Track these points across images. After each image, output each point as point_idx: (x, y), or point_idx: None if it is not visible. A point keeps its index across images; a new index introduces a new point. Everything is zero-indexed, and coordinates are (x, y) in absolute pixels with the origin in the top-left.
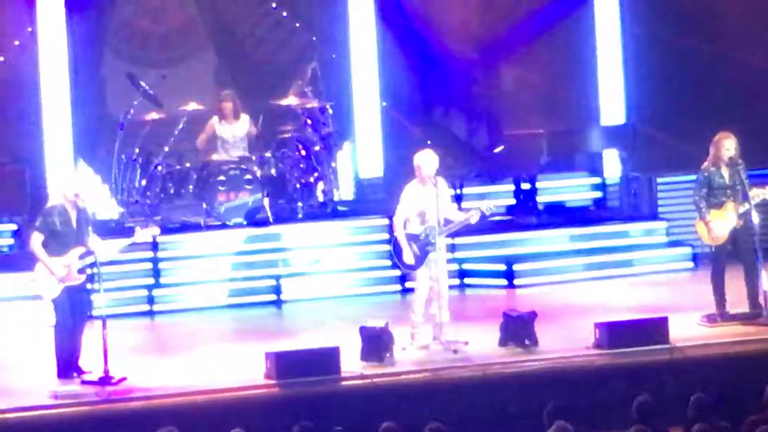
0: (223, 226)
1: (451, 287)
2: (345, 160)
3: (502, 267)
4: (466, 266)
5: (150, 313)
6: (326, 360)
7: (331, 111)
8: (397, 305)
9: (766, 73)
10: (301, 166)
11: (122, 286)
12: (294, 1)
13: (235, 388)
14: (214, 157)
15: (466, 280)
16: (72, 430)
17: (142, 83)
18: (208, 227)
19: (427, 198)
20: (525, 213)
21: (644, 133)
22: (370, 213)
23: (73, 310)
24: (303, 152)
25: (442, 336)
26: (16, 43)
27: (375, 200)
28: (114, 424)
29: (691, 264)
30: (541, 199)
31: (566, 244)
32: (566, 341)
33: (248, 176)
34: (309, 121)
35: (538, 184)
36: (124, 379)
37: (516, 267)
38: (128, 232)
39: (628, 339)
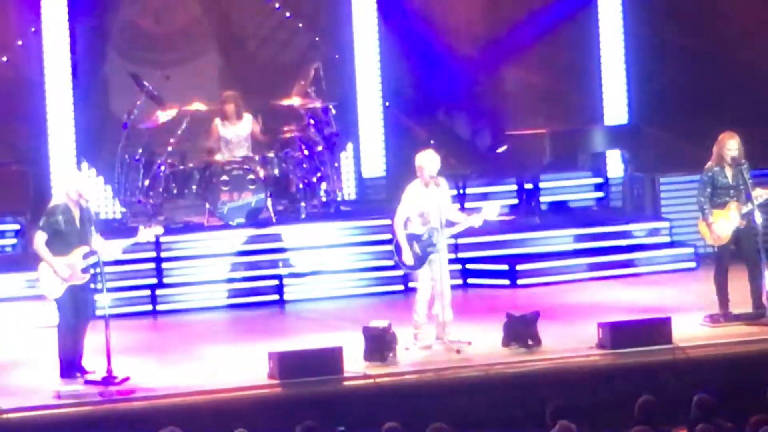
0: (226, 226)
1: (454, 287)
2: (347, 160)
3: (505, 267)
4: (469, 266)
5: (153, 313)
6: (329, 360)
7: (334, 111)
8: (400, 305)
9: None
10: (304, 166)
11: (125, 285)
12: (297, 1)
13: (238, 388)
14: (217, 157)
15: (469, 280)
16: (75, 430)
17: (146, 83)
18: (211, 227)
19: (429, 198)
20: (528, 213)
21: (647, 133)
22: (373, 213)
23: (77, 310)
24: (306, 152)
25: (445, 335)
26: (20, 43)
27: (378, 200)
28: (117, 424)
29: (693, 264)
30: (544, 199)
31: (569, 244)
32: (569, 341)
33: (251, 176)
34: (312, 122)
35: (540, 184)
36: (127, 379)
37: (519, 267)
38: (131, 231)
39: (631, 339)
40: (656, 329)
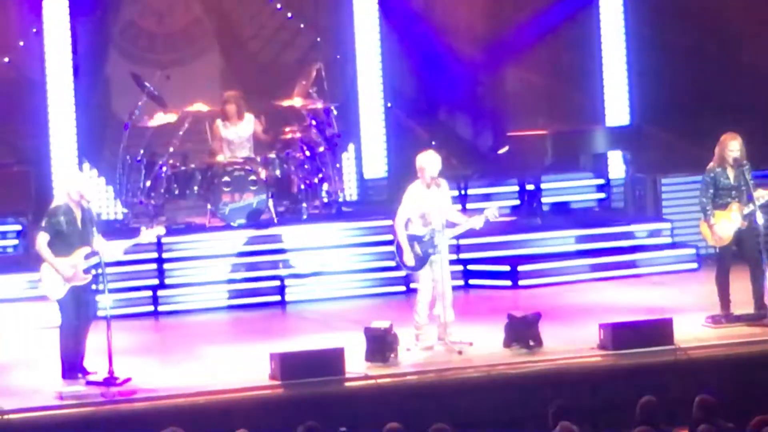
0: (228, 227)
1: (455, 288)
2: (349, 161)
3: (507, 268)
4: (471, 267)
5: (154, 314)
6: (331, 361)
7: (335, 112)
8: (402, 306)
9: None
10: (306, 167)
11: (127, 286)
12: (299, 2)
13: (240, 389)
14: (219, 158)
15: (471, 281)
16: (76, 430)
17: (147, 84)
18: (213, 228)
19: (430, 199)
20: (529, 214)
21: (649, 134)
22: (374, 214)
23: (79, 311)
24: (307, 153)
25: (447, 336)
26: (21, 43)
27: (379, 201)
28: (119, 425)
29: (695, 265)
30: (546, 200)
31: (570, 245)
32: (571, 342)
33: (253, 177)
34: (313, 122)
35: (542, 185)
36: (128, 379)
37: (520, 268)
38: (133, 232)
39: (632, 340)
40: (658, 330)
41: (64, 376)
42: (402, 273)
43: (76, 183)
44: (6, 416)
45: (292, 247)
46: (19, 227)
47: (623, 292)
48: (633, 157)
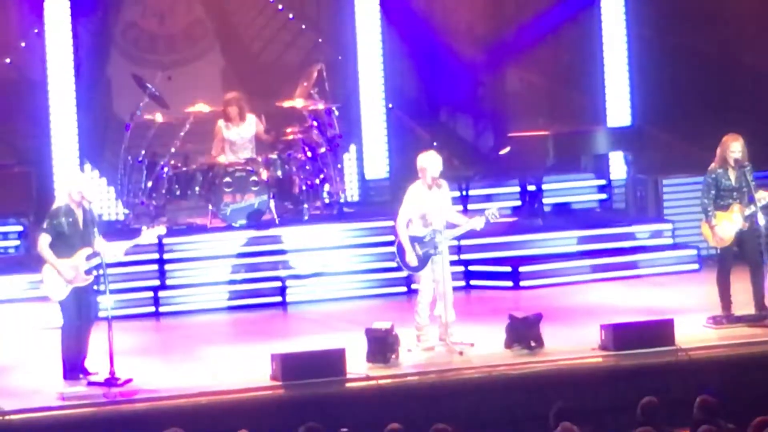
0: (229, 227)
1: (456, 289)
2: (350, 161)
3: (508, 268)
4: (472, 268)
5: (156, 315)
6: (332, 361)
7: (336, 113)
8: (403, 307)
9: None
10: (307, 167)
11: (128, 287)
12: (300, 2)
13: (241, 390)
14: (221, 158)
15: (472, 282)
16: (78, 431)
17: (149, 84)
18: (214, 229)
19: (431, 200)
20: (531, 215)
21: (650, 134)
22: (376, 215)
23: (80, 312)
24: (309, 154)
25: (448, 337)
26: (23, 44)
27: (380, 202)
28: (120, 426)
29: (696, 266)
30: (547, 200)
31: (572, 246)
32: (572, 343)
33: (254, 178)
34: (315, 123)
35: (543, 186)
36: (130, 380)
37: (522, 268)
38: (134, 233)
39: (633, 341)
40: (659, 331)
41: (65, 377)
42: (403, 274)
43: (77, 184)
44: (7, 417)
45: (293, 247)
46: (20, 228)
47: (624, 293)
48: (634, 158)
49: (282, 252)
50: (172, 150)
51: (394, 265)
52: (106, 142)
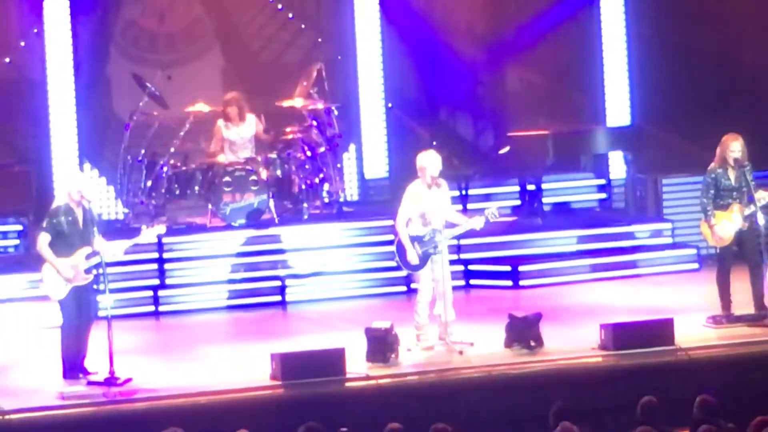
0: (229, 227)
1: (456, 288)
2: (350, 161)
3: (508, 268)
4: (472, 267)
5: (155, 314)
6: (331, 361)
7: (336, 112)
8: (403, 306)
9: None
10: (307, 167)
11: (128, 287)
12: (300, 2)
13: (241, 389)
14: (220, 158)
15: (472, 281)
16: (77, 430)
17: (148, 84)
18: (214, 228)
19: (430, 199)
20: (530, 214)
21: (650, 134)
22: (375, 214)
23: (80, 311)
24: (308, 153)
25: (448, 336)
26: (22, 44)
27: (380, 201)
28: (119, 425)
29: (696, 265)
30: (547, 200)
31: (571, 246)
32: (571, 342)
33: (253, 177)
34: (314, 123)
35: (543, 185)
36: (129, 379)
37: (521, 268)
38: (134, 232)
39: (633, 340)
40: (659, 330)
41: (65, 376)
42: (403, 273)
43: (76, 183)
44: (7, 416)
45: (292, 247)
46: (19, 227)
47: (624, 293)
48: (634, 158)
49: (281, 251)
50: (172, 149)
51: (393, 264)
52: (106, 142)
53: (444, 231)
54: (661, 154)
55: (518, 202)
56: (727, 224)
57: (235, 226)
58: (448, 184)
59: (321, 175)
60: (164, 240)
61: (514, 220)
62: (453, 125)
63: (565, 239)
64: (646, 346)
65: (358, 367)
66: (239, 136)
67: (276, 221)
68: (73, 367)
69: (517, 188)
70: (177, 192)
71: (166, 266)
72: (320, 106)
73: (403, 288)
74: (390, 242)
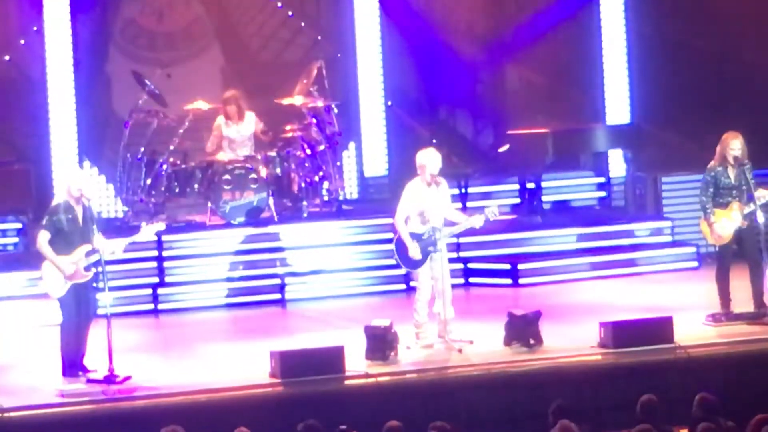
0: (228, 225)
1: (455, 286)
2: (350, 159)
3: (507, 266)
4: (471, 265)
5: (155, 312)
6: (331, 359)
7: (336, 110)
8: (402, 304)
9: None
10: (306, 165)
11: (127, 284)
12: (299, 0)
13: (240, 387)
14: (220, 156)
15: (471, 279)
16: (77, 428)
17: (148, 82)
18: (213, 226)
19: (429, 198)
20: (530, 212)
21: (649, 132)
22: (375, 212)
23: (79, 309)
24: (308, 151)
25: (447, 334)
26: (22, 42)
27: (380, 199)
28: (119, 423)
29: (695, 263)
30: (546, 198)
31: (571, 244)
32: (571, 340)
33: (253, 175)
34: (314, 121)
35: (543, 184)
36: (128, 377)
37: (521, 266)
38: (133, 230)
39: (632, 338)
40: (658, 329)
41: (64, 374)
42: (402, 271)
43: (76, 181)
44: (6, 414)
45: (292, 245)
46: (19, 225)
47: (623, 291)
48: (633, 156)
49: (281, 249)
50: (171, 147)
51: (393, 262)
52: (106, 140)
53: (443, 229)
54: (660, 153)
55: (518, 201)
56: (727, 222)
57: (234, 224)
58: (448, 182)
59: (321, 173)
60: (164, 238)
61: (513, 218)
62: (453, 123)
63: (565, 237)
64: (646, 344)
65: (357, 365)
66: (239, 134)
67: (275, 219)
68: (73, 365)
69: (516, 186)
70: (176, 190)
71: (166, 264)
72: (320, 104)
73: (403, 286)
74: (389, 240)
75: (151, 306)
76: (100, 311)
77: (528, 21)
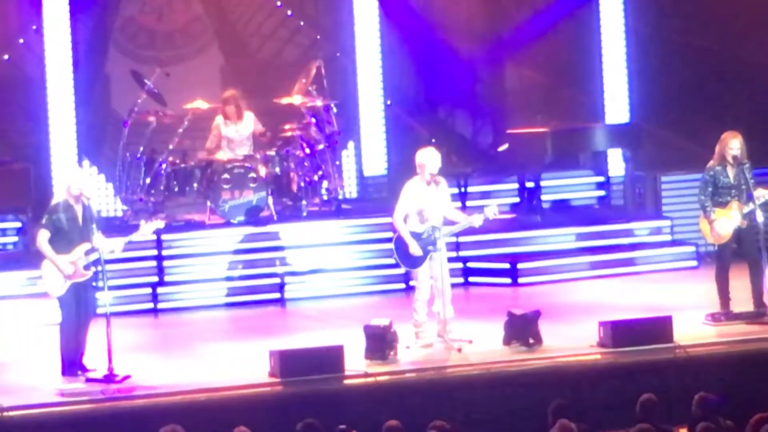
0: (227, 224)
1: (455, 285)
2: (349, 158)
3: (507, 265)
4: (471, 264)
5: (154, 311)
6: (330, 358)
7: (335, 109)
8: (401, 303)
9: None
10: (306, 164)
11: (126, 283)
12: None
13: (239, 386)
14: (219, 155)
15: (471, 278)
16: (76, 427)
17: (147, 81)
18: (212, 225)
19: (428, 197)
20: (529, 211)
21: (648, 131)
22: (374, 211)
23: (79, 308)
24: (307, 151)
25: (447, 333)
26: (21, 41)
27: (379, 198)
28: (118, 422)
29: (695, 263)
30: (546, 197)
31: (570, 243)
32: (570, 340)
33: (252, 174)
34: (313, 120)
35: (542, 183)
36: (128, 377)
37: (520, 265)
38: (133, 229)
39: (632, 338)
40: (657, 328)
41: (63, 373)
42: (401, 270)
43: (76, 180)
44: (6, 413)
45: (291, 244)
46: (18, 224)
47: (623, 290)
48: (633, 155)
49: (280, 248)
50: (171, 147)
51: (392, 261)
52: (105, 139)
53: (442, 228)
54: (660, 152)
55: (517, 200)
56: (726, 222)
57: (233, 223)
58: (447, 181)
59: (320, 173)
60: (163, 237)
61: (512, 217)
62: (452, 123)
63: (564, 237)
64: (645, 343)
65: (356, 364)
66: (237, 134)
67: (275, 218)
68: (72, 364)
69: (516, 186)
70: (176, 189)
71: (165, 263)
72: (319, 103)
73: (402, 285)
74: (389, 239)
75: (150, 305)
76: (99, 310)
77: (527, 20)
